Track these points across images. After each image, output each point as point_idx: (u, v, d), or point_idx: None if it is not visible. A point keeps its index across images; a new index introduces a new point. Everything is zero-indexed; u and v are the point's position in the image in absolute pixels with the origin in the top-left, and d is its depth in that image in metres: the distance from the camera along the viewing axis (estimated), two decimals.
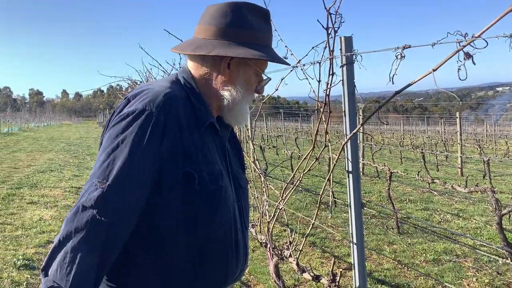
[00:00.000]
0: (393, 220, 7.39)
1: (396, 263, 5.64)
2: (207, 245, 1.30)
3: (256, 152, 12.68)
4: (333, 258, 2.24)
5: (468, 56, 1.27)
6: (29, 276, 4.71)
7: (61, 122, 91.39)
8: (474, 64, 1.29)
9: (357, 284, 1.86)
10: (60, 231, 1.22)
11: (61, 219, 7.17)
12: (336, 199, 9.10)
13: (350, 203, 1.83)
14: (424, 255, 5.96)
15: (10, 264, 5.00)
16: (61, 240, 1.20)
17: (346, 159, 1.84)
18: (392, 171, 7.30)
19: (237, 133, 3.34)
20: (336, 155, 1.91)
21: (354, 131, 1.73)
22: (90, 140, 31.50)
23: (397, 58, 1.44)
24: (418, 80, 1.43)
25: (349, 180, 1.83)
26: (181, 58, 4.59)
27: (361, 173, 14.38)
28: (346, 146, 1.82)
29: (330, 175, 2.00)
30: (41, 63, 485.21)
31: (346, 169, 1.83)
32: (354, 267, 1.87)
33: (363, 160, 12.96)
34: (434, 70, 1.33)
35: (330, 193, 8.81)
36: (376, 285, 4.87)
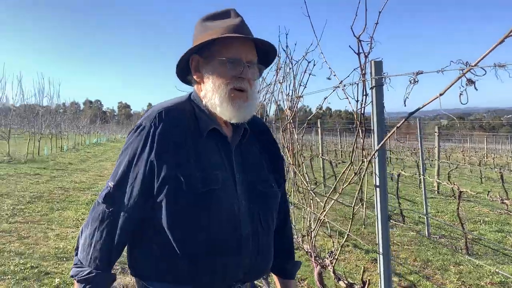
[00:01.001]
0: (462, 240, 7.20)
1: (460, 283, 5.53)
2: (201, 237, 1.47)
3: (326, 167, 12.64)
4: (362, 267, 2.36)
5: (470, 82, 1.39)
6: None
7: None
8: (476, 89, 1.41)
9: None
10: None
11: None
12: (405, 217, 8.97)
13: (377, 215, 1.96)
14: (490, 277, 5.79)
15: None
16: (82, 228, 1.54)
17: (374, 174, 1.97)
18: (462, 190, 7.12)
19: (287, 146, 3.53)
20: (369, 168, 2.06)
21: (378, 146, 1.88)
22: None
23: (410, 82, 1.58)
24: (427, 104, 1.56)
25: (376, 194, 1.96)
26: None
27: (436, 192, 13.98)
28: (374, 162, 1.96)
29: (360, 185, 2.14)
30: (129, 78, 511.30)
31: (374, 183, 1.97)
32: (380, 275, 1.99)
33: (438, 179, 12.61)
34: (441, 95, 1.46)
35: (399, 209, 8.71)
36: None
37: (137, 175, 1.47)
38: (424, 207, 8.64)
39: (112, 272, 1.55)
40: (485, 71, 1.35)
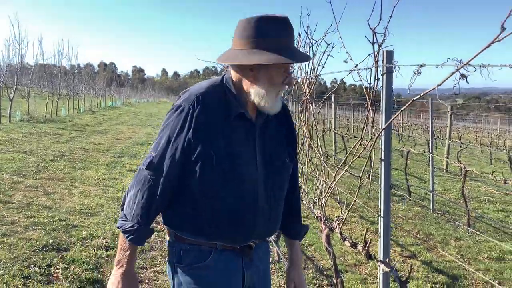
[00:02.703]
0: (465, 217, 7.50)
1: (459, 256, 5.87)
2: (224, 201, 1.80)
3: (337, 141, 12.96)
4: (366, 228, 2.68)
5: (463, 76, 1.68)
6: None
7: (159, 99, 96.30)
8: (467, 82, 1.70)
9: (381, 250, 2.32)
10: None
11: None
12: (411, 192, 9.27)
13: (380, 184, 2.27)
14: (489, 252, 6.11)
15: (112, 219, 5.90)
16: (128, 189, 1.85)
17: (380, 149, 2.27)
18: (468, 169, 7.39)
19: (305, 121, 3.83)
20: (376, 146, 2.36)
21: (385, 125, 2.17)
22: None
23: (414, 73, 1.86)
24: (427, 92, 1.84)
25: (381, 166, 2.27)
26: None
27: (445, 170, 14.23)
28: (381, 138, 2.26)
29: (368, 159, 2.45)
30: (144, 43, 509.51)
31: (380, 157, 2.27)
32: (380, 236, 2.31)
33: (447, 158, 12.86)
34: (438, 85, 1.75)
35: (406, 186, 9.01)
36: (433, 274, 5.17)
37: (176, 149, 1.78)
38: (431, 184, 8.93)
39: (151, 227, 1.86)
40: (475, 69, 1.63)
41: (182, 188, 1.84)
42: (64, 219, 5.66)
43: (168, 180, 1.80)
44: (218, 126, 1.80)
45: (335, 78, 3.20)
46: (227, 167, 1.78)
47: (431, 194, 8.56)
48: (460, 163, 7.81)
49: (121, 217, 1.82)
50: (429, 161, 12.71)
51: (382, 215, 2.27)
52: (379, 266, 2.29)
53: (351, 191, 8.91)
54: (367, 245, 2.39)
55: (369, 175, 3.11)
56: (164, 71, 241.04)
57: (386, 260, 2.27)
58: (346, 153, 10.32)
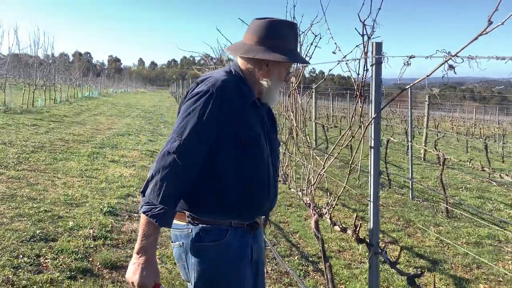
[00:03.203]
0: (443, 204, 7.71)
1: (438, 242, 6.05)
2: (249, 180, 1.95)
3: (318, 131, 13.15)
4: (355, 213, 2.78)
5: (451, 67, 1.77)
6: (113, 221, 5.59)
7: (136, 90, 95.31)
8: (455, 73, 1.79)
9: (371, 235, 2.42)
10: (152, 167, 1.91)
11: (139, 177, 8.11)
12: (391, 180, 9.47)
13: (370, 170, 2.37)
14: (467, 237, 6.32)
15: (97, 210, 5.91)
16: (153, 174, 1.87)
17: (370, 137, 2.36)
18: (446, 157, 7.59)
19: (293, 111, 3.91)
20: (366, 134, 2.45)
21: (375, 115, 2.27)
22: (163, 108, 33.03)
23: (404, 64, 1.95)
24: (416, 83, 1.94)
25: (371, 153, 2.37)
26: None
27: (422, 159, 14.51)
28: (371, 126, 2.35)
29: (358, 147, 2.54)
30: (120, 32, 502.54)
31: (370, 144, 2.37)
32: (370, 219, 2.41)
33: (425, 146, 13.11)
34: (427, 76, 1.84)
35: (386, 174, 9.19)
36: (414, 258, 5.34)
37: (206, 132, 1.86)
38: (410, 172, 9.13)
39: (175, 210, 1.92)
40: (462, 60, 1.73)
41: (207, 171, 1.93)
42: (49, 210, 5.66)
43: (196, 163, 1.88)
44: (240, 111, 1.93)
45: (313, 68, 3.35)
46: (253, 147, 1.95)
47: (410, 182, 8.76)
48: (438, 152, 8.01)
49: (146, 202, 1.84)
50: (407, 149, 12.96)
51: (371, 200, 2.38)
52: (369, 249, 2.40)
53: (333, 180, 9.04)
54: (357, 229, 2.49)
55: (350, 165, 3.22)
56: (141, 61, 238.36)
57: (376, 243, 2.38)
58: (327, 143, 10.51)
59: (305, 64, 2.22)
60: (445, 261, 5.35)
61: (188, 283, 2.06)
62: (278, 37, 2.01)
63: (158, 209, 1.81)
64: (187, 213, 1.99)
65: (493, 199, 9.17)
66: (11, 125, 13.43)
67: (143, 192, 1.89)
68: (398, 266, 4.85)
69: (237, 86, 1.98)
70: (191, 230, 1.98)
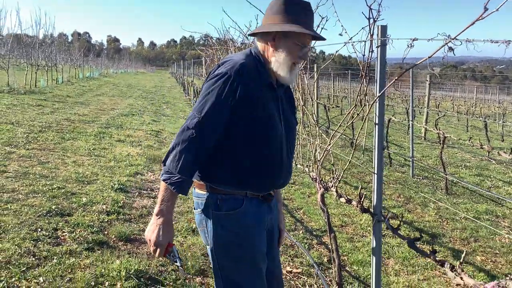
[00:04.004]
0: (443, 182, 7.91)
1: (438, 217, 6.27)
2: (261, 155, 2.12)
3: (319, 111, 13.30)
4: (360, 185, 2.97)
5: (450, 49, 1.94)
6: (124, 197, 5.80)
7: (136, 70, 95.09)
8: (454, 55, 1.96)
9: (374, 204, 2.62)
10: (172, 140, 2.11)
11: (145, 156, 8.31)
12: (392, 159, 9.67)
13: (374, 144, 2.55)
14: (465, 213, 6.53)
15: (109, 187, 6.12)
16: (173, 146, 2.07)
17: (375, 114, 2.54)
18: (446, 135, 7.77)
19: (299, 90, 4.08)
20: (371, 111, 2.63)
21: (380, 93, 2.44)
22: (164, 89, 33.13)
23: (408, 46, 2.12)
24: (418, 64, 2.12)
25: (375, 129, 2.55)
26: (257, 22, 5.28)
27: (423, 138, 14.70)
28: (375, 105, 2.53)
29: (363, 125, 2.72)
30: (118, 11, 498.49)
31: (374, 121, 2.54)
32: (373, 190, 2.61)
33: (426, 125, 13.29)
34: (429, 57, 2.01)
35: (387, 152, 9.38)
36: (413, 232, 5.55)
37: (221, 111, 2.04)
38: (411, 150, 9.32)
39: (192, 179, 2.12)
40: (461, 43, 1.90)
41: (223, 146, 2.11)
42: (62, 187, 5.86)
43: (212, 138, 2.06)
44: (256, 92, 2.09)
45: (314, 48, 3.55)
46: (264, 127, 2.10)
47: (410, 160, 8.96)
48: (439, 130, 8.19)
49: (166, 171, 2.04)
50: (408, 129, 13.14)
51: (375, 172, 2.57)
52: (372, 217, 2.59)
53: (335, 159, 9.24)
54: (361, 200, 2.68)
55: (351, 143, 3.39)
56: (140, 41, 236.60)
57: (380, 211, 2.58)
58: (329, 122, 10.69)
59: (317, 39, 2.29)
60: (443, 235, 5.57)
61: (207, 246, 2.26)
62: (284, 10, 2.12)
63: (176, 177, 2.01)
64: (207, 183, 2.18)
65: (492, 176, 9.39)
66: (17, 106, 13.60)
67: (164, 162, 2.09)
68: (398, 239, 5.07)
69: (255, 68, 2.13)
70: (210, 199, 2.18)
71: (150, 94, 26.14)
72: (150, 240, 2.06)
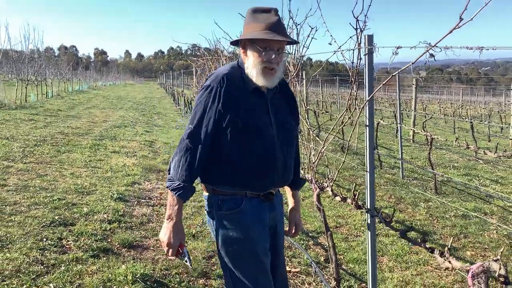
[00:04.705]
0: (432, 182, 8.14)
1: (428, 216, 6.48)
2: (253, 157, 2.28)
3: (309, 117, 13.49)
4: (355, 184, 3.16)
5: (431, 56, 2.15)
6: (124, 206, 5.95)
7: (125, 82, 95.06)
8: (435, 60, 2.17)
9: (368, 200, 2.82)
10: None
11: (141, 166, 8.46)
12: (382, 161, 9.90)
13: (366, 145, 2.75)
14: (455, 211, 6.75)
15: (108, 197, 6.27)
16: (174, 155, 2.29)
17: (365, 116, 2.74)
18: (434, 136, 8.01)
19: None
20: (361, 115, 2.83)
21: (369, 97, 2.64)
22: (154, 100, 33.24)
23: (393, 54, 2.32)
24: (403, 69, 2.33)
25: (366, 131, 2.75)
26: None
27: (411, 141, 14.97)
28: (365, 108, 2.73)
29: (354, 126, 2.92)
30: (104, 24, 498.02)
31: (365, 123, 2.75)
32: (366, 188, 2.80)
33: (413, 128, 13.56)
34: (412, 63, 2.21)
35: (377, 155, 9.60)
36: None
37: (210, 120, 2.24)
38: (400, 152, 9.56)
39: (193, 185, 2.31)
40: (441, 49, 2.10)
41: (217, 151, 2.29)
42: (62, 198, 6.00)
43: (205, 145, 2.25)
44: (240, 98, 2.29)
45: (301, 56, 3.79)
46: (250, 130, 2.27)
47: (400, 162, 9.19)
48: (426, 132, 8.43)
49: (169, 179, 2.25)
50: (396, 132, 13.40)
51: (368, 171, 2.77)
52: (367, 212, 2.79)
53: (326, 162, 9.44)
54: (356, 197, 2.88)
55: (342, 148, 3.57)
56: (128, 53, 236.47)
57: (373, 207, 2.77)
58: (319, 129, 10.87)
59: (290, 43, 2.49)
60: (434, 233, 5.78)
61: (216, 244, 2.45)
62: (252, 20, 2.31)
63: (177, 184, 2.22)
64: (209, 186, 2.37)
65: (479, 176, 9.64)
66: (9, 121, 13.68)
67: (168, 171, 2.31)
68: (391, 238, 5.23)
69: (239, 77, 2.33)
70: (213, 200, 2.37)
71: (141, 106, 26.25)
72: (163, 242, 2.28)
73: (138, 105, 26.80)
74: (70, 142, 10.68)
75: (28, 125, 13.08)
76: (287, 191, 2.76)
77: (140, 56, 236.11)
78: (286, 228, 2.73)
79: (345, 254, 4.88)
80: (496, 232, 5.88)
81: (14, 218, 5.12)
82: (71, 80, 40.26)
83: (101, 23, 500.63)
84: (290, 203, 2.74)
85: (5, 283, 3.69)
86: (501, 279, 1.69)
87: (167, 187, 2.26)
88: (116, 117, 17.80)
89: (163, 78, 62.47)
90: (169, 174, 2.29)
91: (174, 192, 2.23)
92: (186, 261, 2.34)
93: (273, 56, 2.28)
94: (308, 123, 4.11)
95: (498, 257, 1.73)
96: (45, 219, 5.14)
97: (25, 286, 3.67)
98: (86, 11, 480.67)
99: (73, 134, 12.00)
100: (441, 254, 2.14)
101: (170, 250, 2.28)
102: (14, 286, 3.65)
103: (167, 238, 2.25)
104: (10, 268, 3.94)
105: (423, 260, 4.79)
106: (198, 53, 9.88)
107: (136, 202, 6.26)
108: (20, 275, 3.83)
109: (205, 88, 2.29)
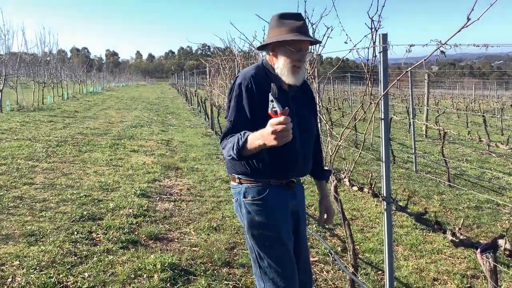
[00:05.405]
0: (446, 176, 8.29)
1: (442, 208, 6.64)
2: (276, 150, 2.36)
3: (323, 113, 13.65)
4: (371, 173, 3.36)
5: (442, 52, 2.34)
6: (147, 202, 6.20)
7: (137, 83, 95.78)
8: (445, 56, 2.36)
9: (385, 189, 3.01)
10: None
11: (160, 164, 8.72)
12: (395, 156, 10.05)
13: (382, 137, 2.95)
14: (468, 203, 6.90)
15: (131, 193, 6.52)
16: (223, 147, 2.48)
17: (380, 110, 2.94)
18: (446, 130, 8.16)
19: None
20: (377, 110, 3.03)
21: (384, 92, 2.84)
22: (167, 100, 33.57)
23: (406, 51, 2.52)
24: (415, 66, 2.52)
25: (381, 123, 2.95)
26: (263, 32, 5.68)
27: (424, 136, 15.07)
28: (381, 102, 2.93)
29: (370, 121, 3.12)
30: (115, 24, 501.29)
31: (380, 117, 2.94)
32: (382, 177, 3.00)
33: (426, 122, 13.68)
34: (425, 60, 2.41)
35: (390, 151, 9.74)
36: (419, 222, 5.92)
37: (244, 113, 2.46)
38: (413, 147, 9.71)
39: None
40: (450, 47, 2.30)
41: None
42: (89, 195, 6.27)
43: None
44: (267, 95, 2.47)
45: (312, 53, 4.01)
46: None
47: (413, 156, 9.34)
48: (439, 127, 8.57)
49: (229, 155, 2.37)
50: (409, 127, 13.53)
51: (383, 160, 2.96)
52: (383, 200, 2.99)
53: (340, 157, 9.61)
54: (372, 186, 3.08)
55: (356, 145, 3.77)
56: (139, 54, 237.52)
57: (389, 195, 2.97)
58: (332, 125, 11.00)
59: (313, 43, 2.71)
60: (448, 223, 5.94)
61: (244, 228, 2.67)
62: (278, 24, 2.52)
63: (235, 149, 2.35)
64: (237, 176, 2.58)
65: (492, 169, 9.75)
66: (29, 122, 14.03)
67: (224, 155, 2.49)
68: (405, 229, 5.39)
69: (264, 76, 2.54)
70: (240, 189, 2.60)
71: (155, 106, 26.59)
72: (273, 136, 2.14)
73: (152, 105, 27.14)
74: (90, 142, 10.98)
75: (47, 126, 13.42)
76: (316, 183, 3.02)
77: (151, 56, 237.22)
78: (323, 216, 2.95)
79: (361, 244, 5.07)
80: (509, 221, 6.03)
81: (45, 214, 5.40)
82: (85, 81, 40.77)
83: (111, 24, 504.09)
84: (320, 193, 2.99)
85: (42, 272, 3.95)
86: (507, 252, 1.88)
87: (228, 157, 2.38)
88: (132, 118, 18.12)
89: (174, 78, 62.92)
90: (224, 154, 2.44)
91: (237, 150, 2.30)
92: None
93: (302, 56, 2.51)
94: (325, 118, 4.31)
95: (504, 233, 1.93)
96: (74, 214, 5.40)
97: (61, 275, 3.92)
98: (95, 11, 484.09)
99: (92, 135, 12.31)
100: (453, 235, 2.33)
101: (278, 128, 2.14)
102: (51, 275, 3.90)
103: (270, 141, 2.16)
104: (46, 259, 4.20)
105: (437, 249, 4.97)
106: (208, 53, 10.12)
107: (158, 198, 6.50)
108: (56, 265, 4.09)
109: (237, 85, 2.51)
